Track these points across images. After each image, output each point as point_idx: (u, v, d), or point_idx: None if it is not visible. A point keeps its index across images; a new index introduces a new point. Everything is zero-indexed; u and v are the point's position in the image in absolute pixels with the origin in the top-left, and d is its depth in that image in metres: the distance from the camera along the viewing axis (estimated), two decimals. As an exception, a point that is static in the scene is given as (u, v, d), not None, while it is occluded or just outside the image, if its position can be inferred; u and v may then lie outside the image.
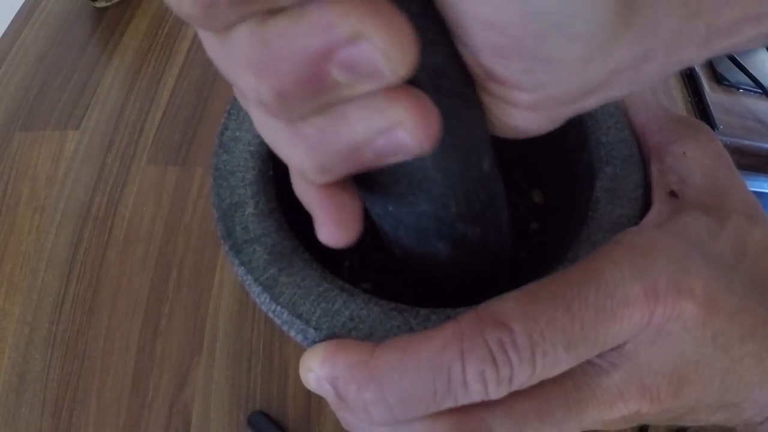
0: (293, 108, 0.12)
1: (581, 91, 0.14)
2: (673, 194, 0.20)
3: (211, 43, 0.12)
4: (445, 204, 0.17)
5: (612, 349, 0.16)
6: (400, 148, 0.12)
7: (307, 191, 0.15)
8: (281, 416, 0.36)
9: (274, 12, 0.11)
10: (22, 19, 0.58)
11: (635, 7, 0.12)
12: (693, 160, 0.21)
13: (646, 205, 0.22)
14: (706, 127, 0.22)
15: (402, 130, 0.12)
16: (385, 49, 0.10)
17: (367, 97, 0.12)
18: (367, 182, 0.16)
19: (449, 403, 0.15)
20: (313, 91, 0.11)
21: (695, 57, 0.15)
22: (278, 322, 0.19)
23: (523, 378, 0.15)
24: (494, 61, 0.13)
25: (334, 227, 0.15)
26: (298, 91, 0.11)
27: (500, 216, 0.20)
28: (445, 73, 0.14)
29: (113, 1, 0.58)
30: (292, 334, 0.18)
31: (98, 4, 0.58)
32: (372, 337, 0.17)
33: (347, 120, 0.12)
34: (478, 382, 0.15)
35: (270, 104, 0.12)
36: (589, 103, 0.15)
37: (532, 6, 0.11)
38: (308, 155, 0.13)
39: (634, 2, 0.12)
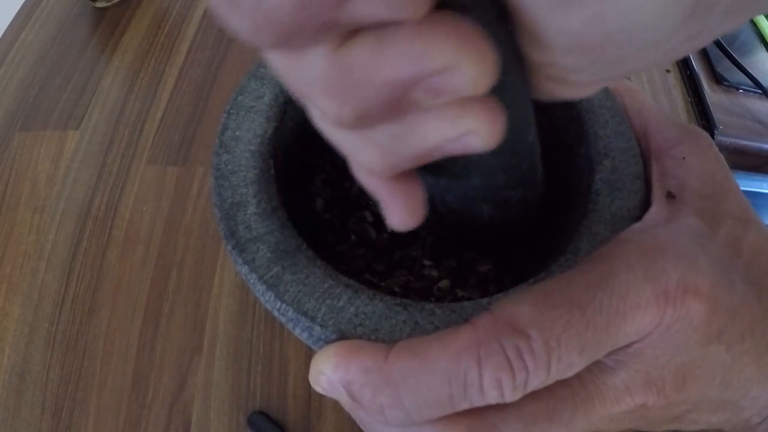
0: (370, 122, 0.12)
1: (634, 70, 0.14)
2: (670, 195, 0.21)
3: (280, 61, 0.12)
4: (494, 176, 0.18)
5: (619, 348, 0.16)
6: (469, 149, 0.13)
7: (373, 183, 0.15)
8: (281, 416, 0.36)
9: (353, 33, 0.10)
10: (22, 19, 0.58)
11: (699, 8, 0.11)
12: (691, 164, 0.21)
13: (645, 198, 0.22)
14: (705, 133, 0.23)
15: (473, 137, 0.12)
16: (474, 76, 0.11)
17: (442, 107, 0.12)
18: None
19: (464, 406, 0.16)
20: (394, 110, 0.12)
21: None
22: (283, 320, 0.19)
23: (537, 382, 0.15)
24: (561, 57, 0.13)
25: (404, 214, 0.15)
26: (378, 111, 0.11)
27: (538, 177, 0.21)
28: (507, 69, 0.14)
29: (113, 1, 0.58)
30: (297, 332, 0.18)
31: (98, 4, 0.58)
32: (378, 332, 0.17)
33: (422, 128, 0.12)
34: (495, 389, 0.15)
35: (348, 123, 0.12)
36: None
37: (612, 26, 0.11)
38: (381, 159, 0.13)
39: (698, 6, 0.11)
